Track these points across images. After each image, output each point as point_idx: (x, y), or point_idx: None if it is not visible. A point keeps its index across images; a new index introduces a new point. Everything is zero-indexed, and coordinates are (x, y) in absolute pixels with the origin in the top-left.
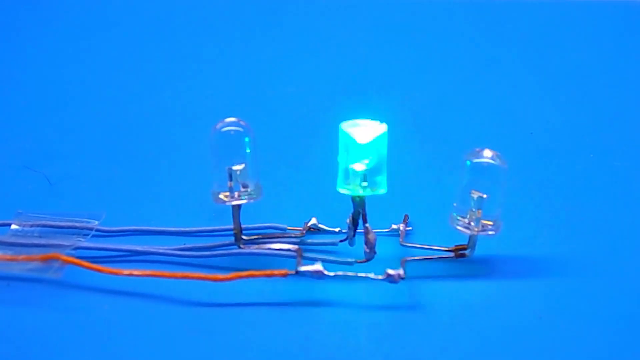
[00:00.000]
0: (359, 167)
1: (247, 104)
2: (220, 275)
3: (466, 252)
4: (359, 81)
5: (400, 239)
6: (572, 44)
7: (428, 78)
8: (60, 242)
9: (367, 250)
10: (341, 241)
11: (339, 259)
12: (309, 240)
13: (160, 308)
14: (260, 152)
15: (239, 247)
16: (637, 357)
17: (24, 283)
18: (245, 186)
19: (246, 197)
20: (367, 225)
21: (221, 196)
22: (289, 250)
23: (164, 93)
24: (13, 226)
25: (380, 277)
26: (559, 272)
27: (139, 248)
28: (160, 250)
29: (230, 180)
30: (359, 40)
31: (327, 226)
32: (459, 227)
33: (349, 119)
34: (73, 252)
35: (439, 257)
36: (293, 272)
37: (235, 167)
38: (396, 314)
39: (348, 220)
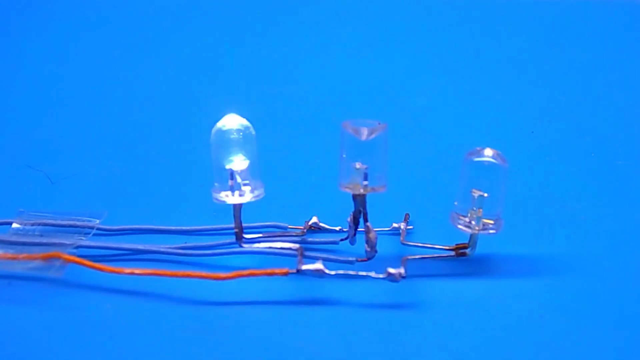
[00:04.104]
0: (360, 165)
1: (249, 103)
2: (222, 274)
3: (467, 251)
4: (360, 80)
5: (401, 238)
6: (573, 42)
7: (429, 77)
8: (62, 241)
9: (368, 249)
10: (342, 240)
11: (340, 258)
12: (310, 239)
13: (161, 307)
14: (261, 151)
15: (240, 246)
16: (638, 357)
17: (25, 282)
18: (246, 185)
19: (247, 196)
20: (368, 224)
21: (222, 195)
22: (289, 249)
23: (165, 92)
24: (14, 225)
25: (381, 275)
26: (560, 270)
27: (140, 247)
28: (162, 249)
29: (232, 179)
30: (359, 39)
31: (328, 225)
32: (459, 226)
33: (350, 118)
34: (74, 250)
35: (440, 256)
36: (294, 270)
37: (236, 166)
38: (397, 313)
39: (349, 219)
